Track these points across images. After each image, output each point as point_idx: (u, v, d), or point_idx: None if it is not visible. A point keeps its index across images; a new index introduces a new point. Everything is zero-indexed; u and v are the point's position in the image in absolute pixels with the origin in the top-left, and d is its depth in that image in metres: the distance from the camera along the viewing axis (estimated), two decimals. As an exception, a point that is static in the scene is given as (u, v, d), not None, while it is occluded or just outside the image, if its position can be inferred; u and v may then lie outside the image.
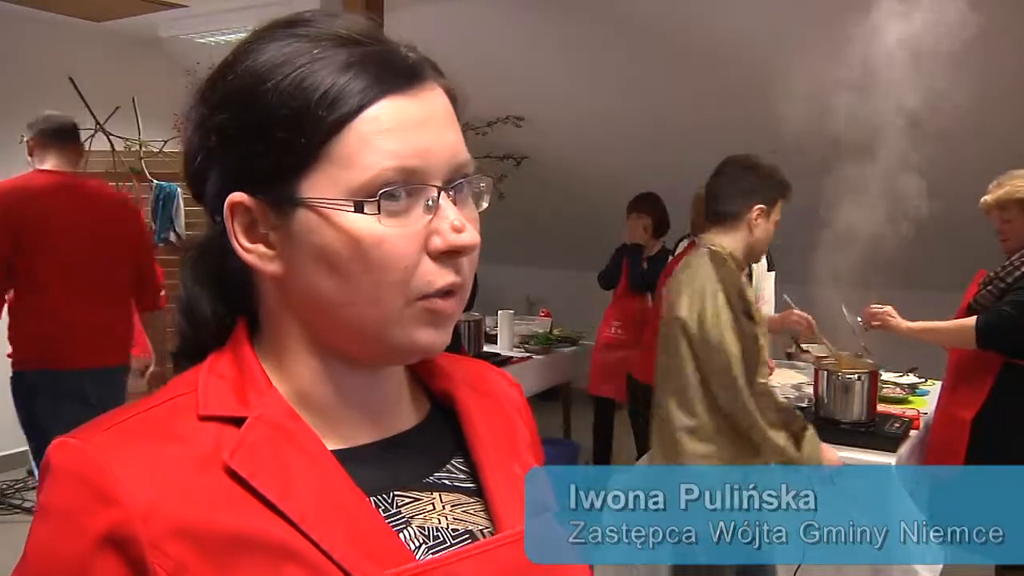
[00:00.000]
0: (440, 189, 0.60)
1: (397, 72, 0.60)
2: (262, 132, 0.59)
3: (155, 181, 3.69)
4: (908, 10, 3.21)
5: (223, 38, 5.04)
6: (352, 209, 0.58)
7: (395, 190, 0.58)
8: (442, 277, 0.61)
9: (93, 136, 3.73)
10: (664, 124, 4.81)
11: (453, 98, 0.64)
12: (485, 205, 0.65)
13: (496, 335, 4.65)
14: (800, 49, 4.01)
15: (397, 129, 0.59)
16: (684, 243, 3.78)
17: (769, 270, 3.70)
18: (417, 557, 0.61)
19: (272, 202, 0.60)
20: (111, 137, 3.75)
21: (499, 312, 4.68)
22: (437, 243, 0.60)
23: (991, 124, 4.03)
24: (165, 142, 3.83)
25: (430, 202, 0.60)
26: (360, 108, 0.58)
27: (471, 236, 0.61)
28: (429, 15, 4.25)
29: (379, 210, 0.58)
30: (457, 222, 0.60)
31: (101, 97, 3.72)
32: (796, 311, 3.01)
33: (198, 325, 0.67)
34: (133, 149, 3.80)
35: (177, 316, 0.69)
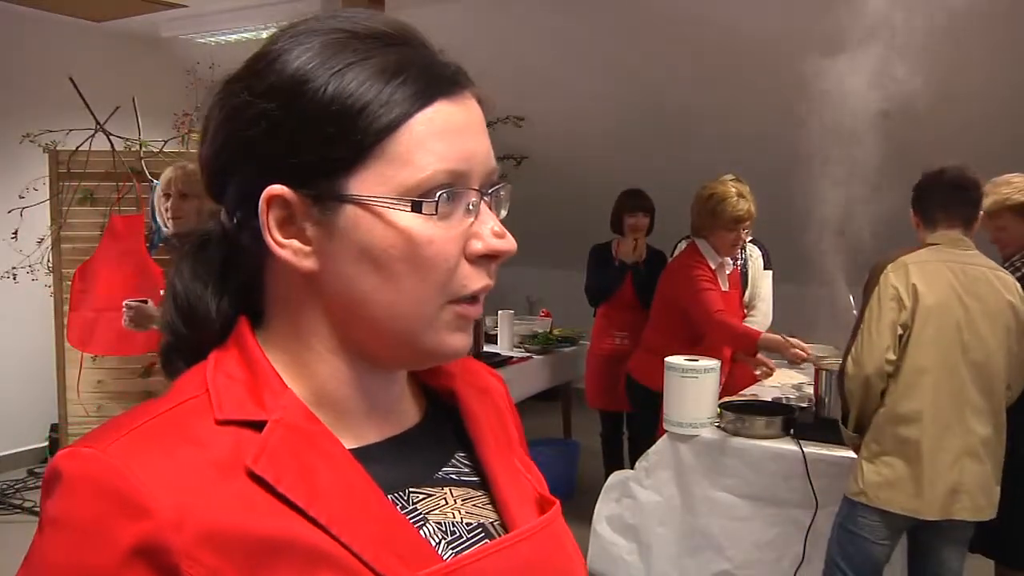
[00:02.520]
0: (481, 194, 0.62)
1: (445, 78, 0.62)
2: (313, 126, 0.58)
3: (155, 181, 3.67)
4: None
5: (223, 38, 5.04)
6: (408, 208, 0.59)
7: (447, 192, 0.59)
8: (477, 280, 0.63)
9: (93, 136, 3.73)
10: (665, 124, 4.81)
11: (482, 105, 0.65)
12: (505, 213, 0.67)
13: (496, 335, 4.65)
14: (805, 47, 4.01)
15: (447, 133, 0.60)
16: (683, 243, 3.78)
17: (766, 268, 3.69)
18: (438, 552, 0.62)
19: (317, 197, 0.59)
20: (111, 137, 3.74)
21: (499, 312, 4.68)
22: (478, 247, 0.62)
23: (992, 121, 4.04)
24: (165, 142, 3.82)
25: (470, 206, 0.62)
26: (415, 109, 0.59)
27: (511, 243, 0.63)
28: (429, 15, 4.25)
29: (436, 210, 0.59)
30: (497, 228, 0.63)
31: (101, 97, 3.71)
32: (796, 340, 3.08)
33: (198, 324, 0.66)
34: (133, 149, 3.78)
35: (169, 314, 0.67)
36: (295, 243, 0.61)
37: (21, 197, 3.76)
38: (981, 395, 2.27)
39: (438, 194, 0.59)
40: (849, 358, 2.33)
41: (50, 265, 3.84)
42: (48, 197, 3.81)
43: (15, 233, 3.78)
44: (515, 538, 0.65)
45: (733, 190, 3.25)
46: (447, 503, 0.66)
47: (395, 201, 0.59)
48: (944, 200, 2.38)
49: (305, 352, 0.64)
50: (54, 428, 4.62)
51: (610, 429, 4.25)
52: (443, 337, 0.63)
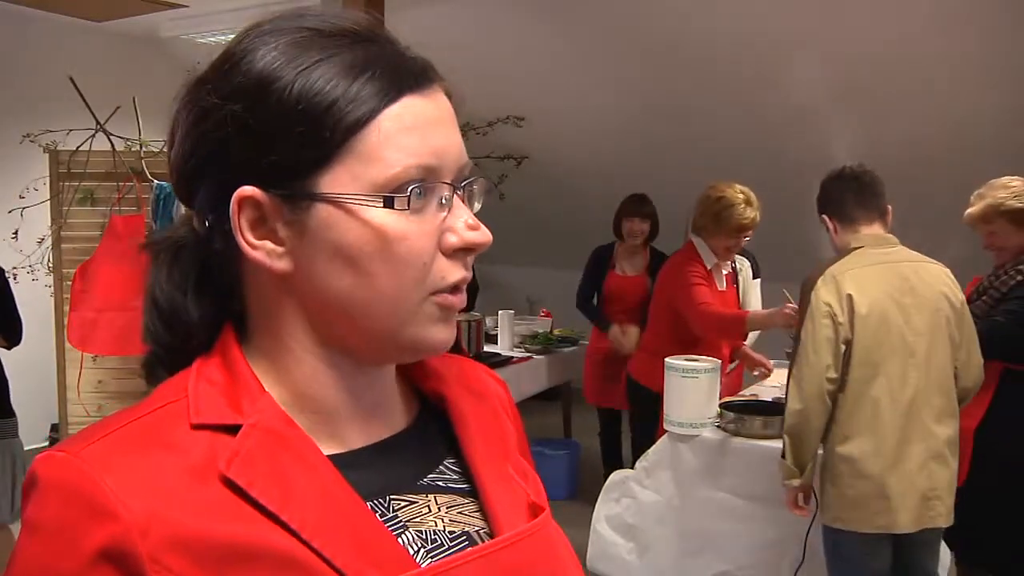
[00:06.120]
0: (453, 188, 0.62)
1: (412, 72, 0.61)
2: (281, 125, 0.58)
3: (155, 181, 3.67)
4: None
5: (223, 38, 5.04)
6: (381, 204, 0.58)
7: (418, 187, 0.59)
8: (455, 273, 0.62)
9: (93, 136, 3.72)
10: (664, 124, 4.81)
11: (450, 99, 0.64)
12: (479, 206, 0.67)
13: (496, 335, 4.65)
14: (801, 53, 4.02)
15: (416, 128, 0.60)
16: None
17: (755, 278, 3.66)
18: (416, 561, 0.60)
19: (288, 197, 0.59)
20: (111, 137, 3.73)
21: (499, 312, 4.68)
22: (452, 240, 0.61)
23: (982, 127, 4.04)
24: (166, 142, 3.82)
25: (443, 200, 0.61)
26: (383, 105, 0.59)
27: (485, 234, 0.63)
28: (429, 15, 4.25)
29: (408, 205, 0.59)
30: (471, 220, 0.62)
31: (101, 97, 3.70)
32: (789, 304, 2.98)
33: (181, 331, 0.65)
34: (133, 149, 3.78)
35: (152, 323, 0.65)
36: (267, 244, 0.60)
37: (21, 197, 3.76)
38: (937, 394, 2.21)
39: (409, 189, 0.59)
40: (791, 380, 2.26)
41: (50, 265, 3.84)
42: (48, 197, 3.81)
43: (15, 233, 3.78)
44: (498, 544, 0.63)
45: (741, 196, 3.18)
46: (430, 511, 0.64)
47: (366, 198, 0.58)
48: (858, 197, 2.34)
49: (284, 354, 0.63)
50: (54, 428, 4.62)
51: (607, 426, 4.28)
52: (426, 330, 0.62)
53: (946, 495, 2.21)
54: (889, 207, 2.37)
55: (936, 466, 2.20)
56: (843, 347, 2.20)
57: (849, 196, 2.35)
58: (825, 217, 2.42)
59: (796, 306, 2.91)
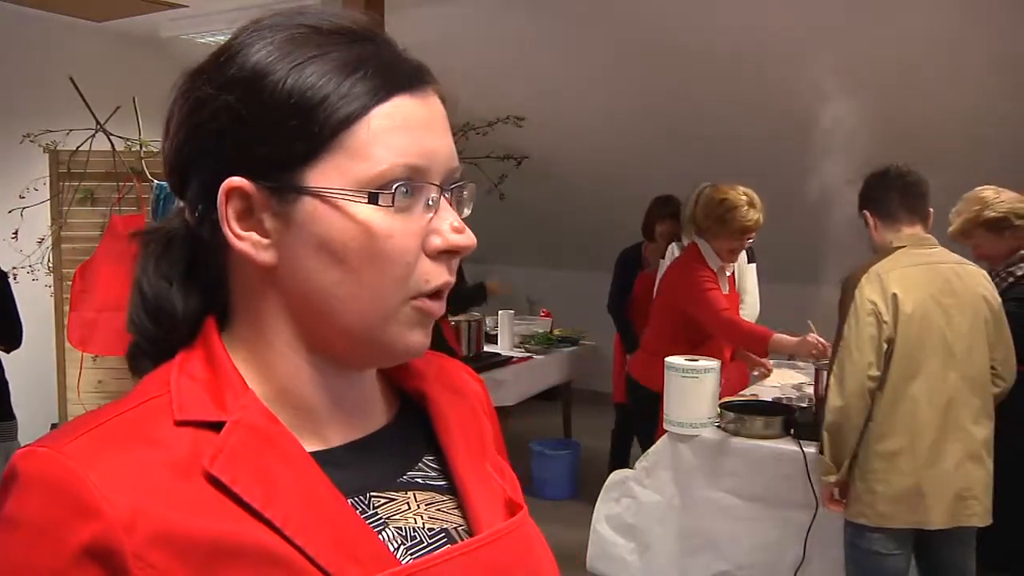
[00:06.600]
0: (441, 189, 0.62)
1: (405, 73, 0.62)
2: (272, 118, 0.59)
3: (155, 181, 3.68)
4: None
5: (223, 38, 5.00)
6: (366, 200, 0.59)
7: (405, 185, 0.59)
8: (438, 276, 0.63)
9: (93, 136, 3.73)
10: (664, 124, 4.81)
11: (444, 103, 0.65)
12: (468, 212, 0.67)
13: (496, 335, 4.66)
14: (799, 52, 4.02)
15: (406, 128, 0.60)
16: (674, 246, 3.80)
17: (749, 263, 3.67)
18: (397, 558, 0.61)
19: (276, 189, 0.60)
20: (111, 137, 3.74)
21: (499, 312, 4.69)
22: (437, 242, 0.62)
23: (988, 127, 4.04)
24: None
25: (430, 201, 0.62)
26: (374, 103, 0.59)
27: (470, 238, 0.63)
28: (429, 15, 4.25)
29: (393, 203, 0.59)
30: (456, 223, 0.63)
31: (101, 97, 3.71)
32: (813, 335, 2.99)
33: (166, 323, 0.65)
34: (133, 149, 3.78)
35: (136, 313, 0.66)
36: (253, 235, 0.61)
37: (21, 197, 3.76)
38: (974, 394, 2.24)
39: (395, 187, 0.59)
40: (832, 378, 2.27)
41: (50, 265, 3.84)
42: (48, 197, 3.81)
43: (15, 233, 3.78)
44: (478, 542, 0.64)
45: (744, 198, 3.16)
46: (410, 508, 0.65)
47: (352, 193, 0.59)
48: (903, 198, 2.35)
49: (267, 350, 0.64)
50: (54, 428, 4.63)
51: (622, 423, 4.33)
52: (402, 333, 0.62)
53: (983, 495, 2.22)
54: (931, 210, 2.37)
55: (972, 466, 2.21)
56: (885, 346, 2.21)
57: (894, 195, 2.36)
58: (866, 213, 2.43)
59: (819, 338, 2.93)
